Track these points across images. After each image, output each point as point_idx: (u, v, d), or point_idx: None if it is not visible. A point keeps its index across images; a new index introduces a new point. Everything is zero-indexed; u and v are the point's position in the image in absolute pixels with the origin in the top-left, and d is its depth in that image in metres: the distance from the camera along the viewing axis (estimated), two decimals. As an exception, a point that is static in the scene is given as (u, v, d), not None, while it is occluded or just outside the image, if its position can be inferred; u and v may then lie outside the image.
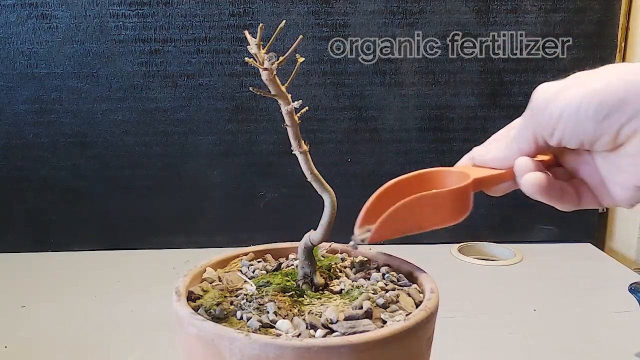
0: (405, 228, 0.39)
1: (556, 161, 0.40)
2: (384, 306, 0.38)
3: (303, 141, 0.38)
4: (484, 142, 0.42)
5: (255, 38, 0.33)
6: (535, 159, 0.38)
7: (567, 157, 0.39)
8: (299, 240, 0.43)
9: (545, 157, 0.40)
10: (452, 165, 0.43)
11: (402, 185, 0.41)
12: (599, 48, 0.96)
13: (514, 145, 0.38)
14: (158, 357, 0.65)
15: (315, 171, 0.39)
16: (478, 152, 0.41)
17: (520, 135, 0.38)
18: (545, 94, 0.35)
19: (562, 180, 0.39)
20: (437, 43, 0.96)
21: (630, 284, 0.64)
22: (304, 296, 0.40)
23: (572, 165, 0.39)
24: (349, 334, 0.34)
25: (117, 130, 0.96)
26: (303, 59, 0.35)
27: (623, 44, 1.01)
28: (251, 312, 0.37)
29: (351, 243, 0.40)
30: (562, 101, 0.34)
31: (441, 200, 0.39)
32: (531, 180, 0.37)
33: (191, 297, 0.39)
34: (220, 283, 0.42)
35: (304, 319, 0.36)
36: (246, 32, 0.34)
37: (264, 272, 0.45)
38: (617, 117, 0.32)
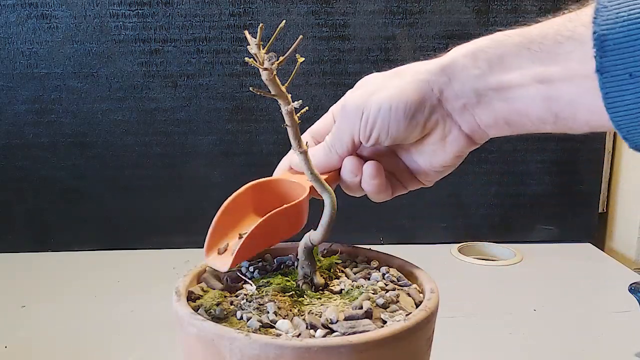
0: (262, 245, 0.41)
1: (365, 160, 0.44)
2: (384, 306, 0.38)
3: (303, 141, 0.38)
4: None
5: (255, 38, 0.33)
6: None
7: (375, 155, 0.44)
8: (299, 240, 0.43)
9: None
10: None
11: (240, 201, 0.42)
12: (599, 48, 0.96)
13: (332, 150, 0.43)
14: (158, 357, 0.65)
15: (315, 171, 0.39)
16: (296, 161, 0.44)
17: (337, 141, 0.42)
18: (356, 101, 0.40)
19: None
20: (437, 43, 0.96)
21: (630, 284, 0.64)
22: (304, 296, 0.40)
23: (381, 161, 0.43)
24: (349, 334, 0.34)
25: (117, 130, 0.96)
26: (303, 59, 0.35)
27: (623, 44, 1.00)
28: (251, 312, 0.37)
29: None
30: (374, 106, 0.39)
31: (291, 213, 0.40)
32: (372, 174, 0.42)
33: (191, 297, 0.39)
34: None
35: (304, 319, 0.36)
36: (246, 32, 0.34)
37: (264, 272, 0.45)
38: (421, 114, 0.38)
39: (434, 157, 0.41)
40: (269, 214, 0.39)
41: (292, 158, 0.46)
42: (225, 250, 0.40)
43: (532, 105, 0.35)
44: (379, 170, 0.42)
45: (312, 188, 0.41)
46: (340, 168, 0.43)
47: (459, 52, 0.37)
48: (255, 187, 0.44)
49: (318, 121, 0.46)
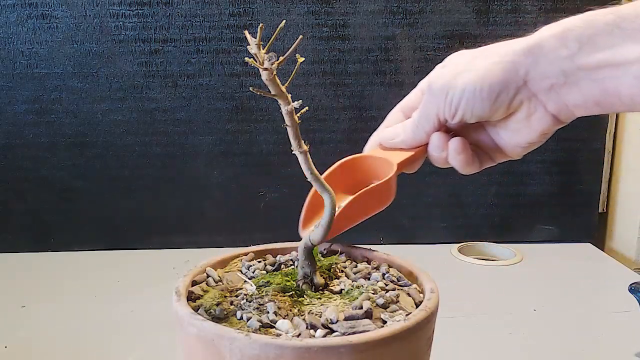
0: (352, 221, 0.43)
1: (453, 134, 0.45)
2: (384, 306, 0.38)
3: (303, 141, 0.38)
4: None
5: (255, 38, 0.33)
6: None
7: (463, 129, 0.44)
8: (299, 240, 0.43)
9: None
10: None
11: (330, 180, 0.44)
12: (599, 48, 0.96)
13: (419, 128, 0.44)
14: (158, 357, 0.65)
15: (315, 171, 0.39)
16: (385, 137, 0.47)
17: (424, 118, 0.43)
18: (441, 81, 0.41)
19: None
20: (437, 43, 0.96)
21: (630, 284, 0.64)
22: (304, 296, 0.40)
23: (468, 135, 0.44)
24: (349, 334, 0.34)
25: (117, 130, 0.96)
26: (303, 59, 0.35)
27: (623, 44, 1.00)
28: (251, 312, 0.37)
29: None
30: (459, 88, 0.40)
31: (380, 190, 0.43)
32: (457, 149, 0.43)
33: (191, 297, 0.39)
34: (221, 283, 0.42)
35: (304, 319, 0.36)
36: (246, 32, 0.34)
37: (264, 272, 0.44)
38: (505, 95, 0.39)
39: (519, 134, 0.42)
40: (358, 193, 0.42)
41: (381, 134, 0.47)
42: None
43: (624, 85, 0.35)
44: (464, 146, 0.43)
45: (400, 164, 0.44)
46: (427, 143, 0.45)
47: (546, 33, 0.38)
48: (345, 164, 0.46)
49: (407, 96, 0.47)
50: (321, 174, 0.40)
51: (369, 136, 0.49)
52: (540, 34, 0.38)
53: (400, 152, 0.45)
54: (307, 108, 0.37)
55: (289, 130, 0.37)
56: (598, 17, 0.36)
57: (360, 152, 0.48)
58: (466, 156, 0.43)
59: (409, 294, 0.41)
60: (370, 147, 0.48)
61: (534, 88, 0.38)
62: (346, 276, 0.44)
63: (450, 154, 0.43)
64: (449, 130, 0.44)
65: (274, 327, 0.36)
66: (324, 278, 0.43)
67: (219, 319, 0.37)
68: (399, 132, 0.46)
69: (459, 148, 0.43)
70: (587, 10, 0.37)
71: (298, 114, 0.36)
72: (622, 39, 0.34)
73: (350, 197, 0.42)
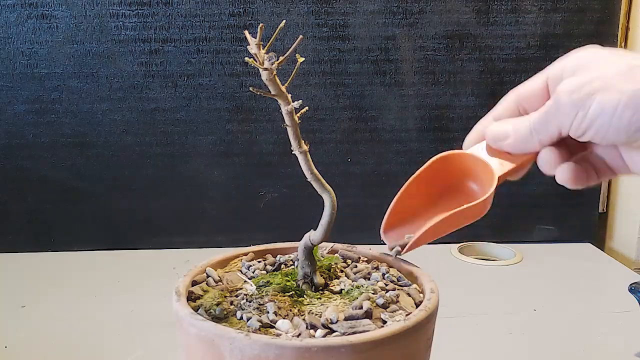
0: (439, 235, 0.41)
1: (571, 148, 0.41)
2: (384, 306, 0.38)
3: (303, 141, 0.38)
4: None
5: (255, 38, 0.33)
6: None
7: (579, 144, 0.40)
8: (299, 240, 0.43)
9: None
10: None
11: (423, 179, 0.41)
12: (599, 48, 0.96)
13: (534, 136, 0.39)
14: (158, 357, 0.65)
15: (315, 171, 0.39)
16: (493, 134, 0.41)
17: (543, 128, 0.38)
18: (573, 94, 0.35)
19: (576, 158, 0.40)
20: (437, 43, 0.96)
21: (630, 284, 0.64)
22: (304, 296, 0.40)
23: (591, 149, 0.40)
24: (349, 334, 0.34)
25: (117, 130, 0.96)
26: (303, 59, 0.35)
27: (623, 44, 1.01)
28: (251, 312, 0.37)
29: (392, 252, 0.42)
30: (594, 109, 0.34)
31: (474, 208, 0.40)
32: (566, 173, 0.38)
33: (191, 297, 0.39)
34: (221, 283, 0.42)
35: (304, 319, 0.36)
36: (246, 32, 0.34)
37: (264, 272, 0.44)
38: None
39: None
40: (450, 213, 0.39)
41: (489, 127, 0.42)
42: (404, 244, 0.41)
43: None
44: (575, 176, 0.39)
45: (501, 177, 0.40)
46: (537, 152, 0.40)
47: None
48: (442, 160, 0.42)
49: (526, 83, 0.42)
50: (321, 175, 0.40)
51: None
52: None
53: (504, 159, 0.41)
54: (307, 108, 0.37)
55: (289, 130, 0.37)
56: None
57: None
58: (574, 182, 0.39)
59: (409, 294, 0.41)
60: (474, 139, 0.43)
61: None
62: (346, 276, 0.44)
63: (558, 177, 0.39)
64: (566, 141, 0.39)
65: (274, 327, 0.36)
66: (324, 278, 0.43)
67: (219, 319, 0.37)
68: (509, 133, 0.40)
69: (568, 178, 0.38)
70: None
71: (298, 114, 0.36)
72: None
73: (442, 216, 0.40)
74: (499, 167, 0.40)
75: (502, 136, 0.41)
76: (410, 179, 0.42)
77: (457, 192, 0.43)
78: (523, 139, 0.39)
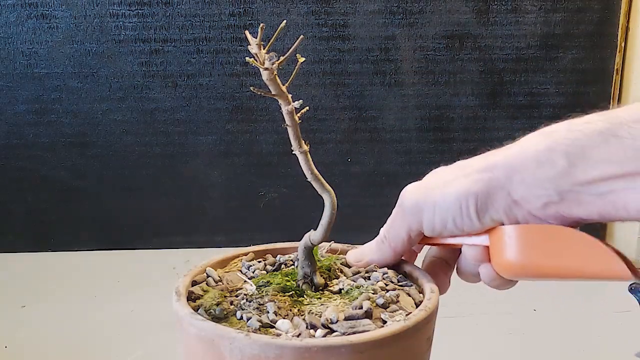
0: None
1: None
2: (384, 306, 0.38)
3: (303, 141, 0.38)
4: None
5: (256, 38, 0.33)
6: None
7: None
8: (299, 240, 0.43)
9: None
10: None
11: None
12: (599, 48, 0.96)
13: (384, 243, 0.41)
14: (158, 357, 0.65)
15: (315, 171, 0.39)
16: (352, 258, 0.44)
17: (391, 234, 0.40)
18: (414, 196, 0.38)
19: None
20: (437, 43, 0.96)
21: (630, 284, 0.64)
22: (304, 296, 0.40)
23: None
24: (349, 334, 0.34)
25: (117, 130, 0.96)
26: (303, 59, 0.35)
27: (623, 44, 1.01)
28: (251, 312, 0.37)
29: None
30: (437, 200, 0.37)
31: None
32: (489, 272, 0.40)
33: (191, 297, 0.39)
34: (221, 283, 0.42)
35: (304, 319, 0.36)
36: (247, 32, 0.34)
37: (264, 272, 0.44)
38: (493, 210, 0.35)
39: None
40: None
41: (348, 258, 0.44)
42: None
43: (631, 198, 0.31)
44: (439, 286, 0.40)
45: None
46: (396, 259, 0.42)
47: (529, 149, 0.34)
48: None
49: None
50: (321, 175, 0.40)
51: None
52: (521, 149, 0.34)
53: None
54: (307, 108, 0.37)
55: (289, 130, 0.37)
56: (586, 125, 0.32)
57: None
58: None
59: (409, 294, 0.41)
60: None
61: (526, 206, 0.34)
62: (345, 276, 0.44)
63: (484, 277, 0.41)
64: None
65: (274, 327, 0.36)
66: (323, 278, 0.43)
67: (219, 319, 0.37)
68: (365, 251, 0.43)
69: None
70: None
71: (298, 114, 0.36)
72: (622, 149, 0.30)
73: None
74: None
75: (359, 256, 0.43)
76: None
77: None
78: (375, 249, 0.41)
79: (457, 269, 0.43)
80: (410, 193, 0.39)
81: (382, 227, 0.42)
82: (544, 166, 0.33)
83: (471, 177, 0.36)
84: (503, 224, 0.36)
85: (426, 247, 0.44)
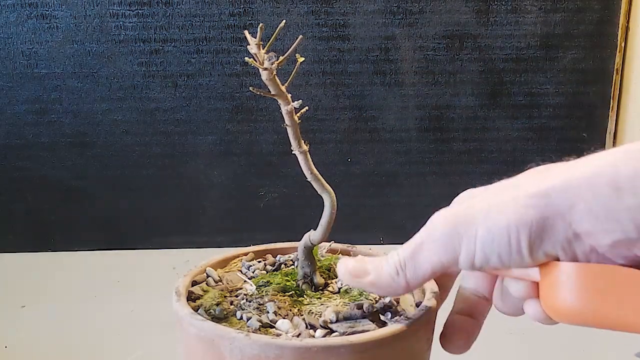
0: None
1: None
2: (384, 306, 0.38)
3: (303, 141, 0.38)
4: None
5: (255, 38, 0.33)
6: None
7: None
8: (299, 240, 0.43)
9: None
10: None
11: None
12: (599, 48, 0.96)
13: (400, 274, 0.33)
14: (158, 357, 0.65)
15: (315, 171, 0.39)
16: (349, 270, 0.35)
17: (411, 267, 0.32)
18: (449, 224, 0.31)
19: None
20: (437, 43, 0.96)
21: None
22: (304, 296, 0.40)
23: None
24: (348, 334, 0.34)
25: (117, 130, 0.96)
26: (303, 59, 0.35)
27: (623, 44, 1.01)
28: (251, 312, 0.37)
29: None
30: (482, 237, 0.30)
31: None
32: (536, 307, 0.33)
33: (191, 297, 0.39)
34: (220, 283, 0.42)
35: (303, 319, 0.36)
36: (246, 32, 0.34)
37: (264, 272, 0.44)
38: (549, 244, 0.29)
39: None
40: None
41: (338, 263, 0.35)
42: None
43: None
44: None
45: None
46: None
47: (602, 165, 0.27)
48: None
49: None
50: (321, 175, 0.40)
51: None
52: (591, 168, 0.28)
53: None
54: (307, 108, 0.37)
55: (289, 130, 0.37)
56: None
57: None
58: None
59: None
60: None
61: (590, 241, 0.28)
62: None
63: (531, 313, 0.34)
64: None
65: (274, 327, 0.36)
66: (323, 278, 0.43)
67: (219, 319, 0.37)
68: (368, 270, 0.34)
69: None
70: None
71: (298, 114, 0.36)
72: None
73: None
74: None
75: (359, 272, 0.34)
76: None
77: None
78: (386, 277, 0.33)
79: (495, 302, 0.38)
80: (445, 219, 0.31)
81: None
82: (623, 193, 0.26)
83: (522, 202, 0.29)
84: (558, 259, 0.29)
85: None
